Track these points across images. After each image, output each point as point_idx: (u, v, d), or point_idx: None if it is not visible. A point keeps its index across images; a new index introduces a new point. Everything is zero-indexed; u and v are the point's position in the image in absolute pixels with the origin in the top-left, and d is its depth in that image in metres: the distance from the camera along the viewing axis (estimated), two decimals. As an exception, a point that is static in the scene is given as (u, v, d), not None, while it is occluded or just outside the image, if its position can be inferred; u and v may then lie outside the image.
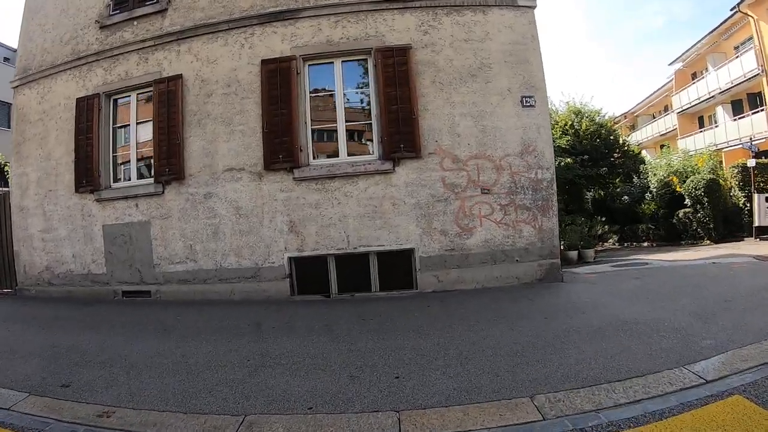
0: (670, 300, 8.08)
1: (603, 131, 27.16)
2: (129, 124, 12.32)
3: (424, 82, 10.58)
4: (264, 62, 10.89)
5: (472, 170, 10.46)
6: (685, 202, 20.94)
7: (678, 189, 21.65)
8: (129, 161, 12.27)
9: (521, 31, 10.85)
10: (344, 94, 11.03)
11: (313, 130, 11.09)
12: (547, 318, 7.47)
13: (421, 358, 5.74)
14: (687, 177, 21.47)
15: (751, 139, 20.57)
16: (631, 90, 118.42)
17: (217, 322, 8.49)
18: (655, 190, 23.64)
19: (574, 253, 16.04)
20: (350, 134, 11.28)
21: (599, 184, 27.33)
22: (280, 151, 10.62)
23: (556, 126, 26.19)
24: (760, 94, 28.94)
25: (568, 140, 25.45)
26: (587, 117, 27.33)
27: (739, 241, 18.86)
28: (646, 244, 23.83)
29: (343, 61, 11.05)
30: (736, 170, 19.58)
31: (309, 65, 11.15)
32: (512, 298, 9.22)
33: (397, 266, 10.53)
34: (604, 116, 28.50)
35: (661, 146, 37.14)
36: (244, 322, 8.47)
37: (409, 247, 10.45)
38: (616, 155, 27.78)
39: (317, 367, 5.65)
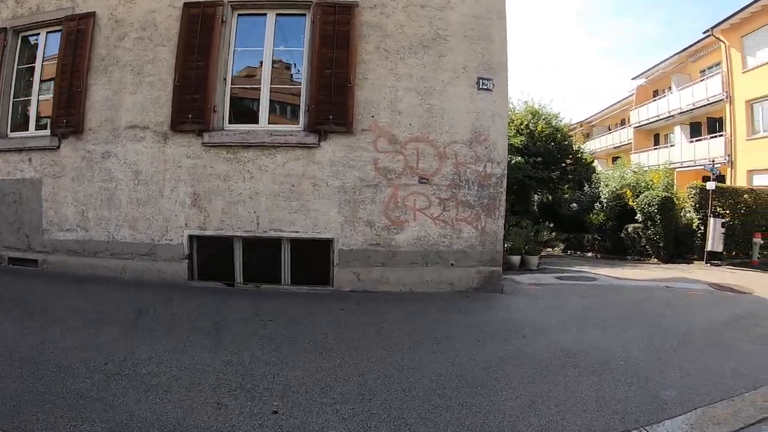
0: (622, 327, 7.04)
1: (558, 135, 26.05)
2: (34, 66, 10.12)
3: (368, 47, 8.80)
4: (186, 5, 8.92)
5: (411, 155, 8.75)
6: (636, 217, 19.68)
7: (630, 203, 20.46)
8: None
9: (487, 5, 9.16)
10: (273, 52, 9.15)
11: (234, 92, 9.21)
12: (480, 341, 6.00)
13: (314, 385, 4.39)
14: (640, 192, 20.28)
15: (713, 161, 19.27)
16: (589, 101, 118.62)
17: (96, 306, 6.97)
18: (605, 201, 22.54)
19: (516, 258, 14.58)
20: (278, 102, 9.50)
21: (548, 188, 26.16)
22: (190, 109, 8.69)
23: (511, 124, 24.80)
24: (720, 120, 28.57)
25: (522, 140, 24.28)
26: (544, 119, 26.23)
27: (689, 263, 17.76)
28: (590, 254, 22.68)
29: (278, 14, 9.14)
30: (694, 191, 18.33)
31: (239, 15, 9.23)
32: (443, 309, 7.68)
33: (313, 257, 8.79)
34: (561, 120, 27.50)
35: (614, 158, 36.72)
36: (126, 309, 6.91)
37: (327, 237, 8.70)
38: (568, 161, 26.63)
39: (182, 384, 4.28)
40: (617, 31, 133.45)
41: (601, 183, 24.15)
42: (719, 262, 16.98)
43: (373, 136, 8.65)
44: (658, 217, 18.21)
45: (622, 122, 42.89)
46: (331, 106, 8.51)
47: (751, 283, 12.46)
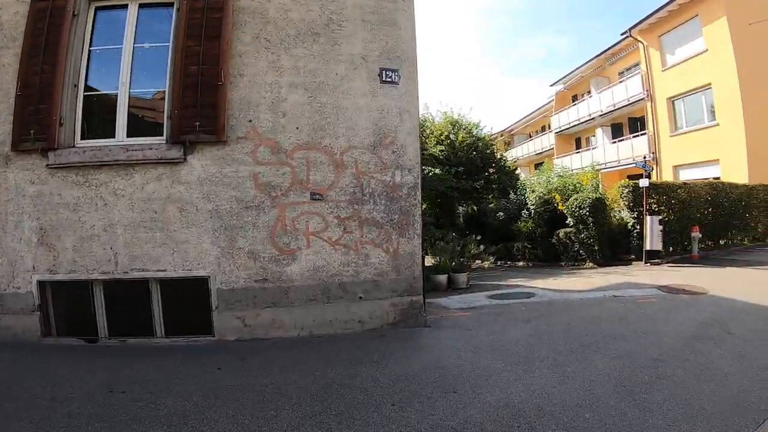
0: (579, 360, 5.64)
1: (480, 144, 25.04)
2: None
3: (245, 37, 6.94)
4: (35, 0, 6.86)
5: (300, 166, 6.91)
6: (567, 222, 18.43)
7: (560, 207, 19.13)
8: None
9: (391, -16, 7.45)
10: (134, 50, 7.09)
11: (88, 100, 7.08)
12: (397, 405, 4.34)
13: None
14: (569, 195, 19.02)
15: (645, 158, 18.12)
16: (509, 111, 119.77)
17: None
18: (533, 207, 21.14)
19: (442, 278, 12.97)
20: (142, 110, 7.45)
21: (473, 198, 24.92)
22: (33, 123, 6.60)
23: (431, 136, 24.17)
24: (641, 119, 28.43)
25: (443, 150, 23.15)
26: (464, 129, 25.26)
27: (627, 264, 16.61)
28: (522, 263, 21.27)
29: (141, 5, 7.14)
30: (627, 190, 17.12)
31: (97, 8, 7.17)
32: (350, 358, 5.85)
33: (189, 301, 6.84)
34: (481, 130, 26.69)
35: (536, 165, 36.14)
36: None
37: (202, 275, 6.72)
38: (492, 170, 25.68)
39: None
40: (530, 47, 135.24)
41: (527, 189, 22.85)
42: (659, 261, 15.91)
43: (252, 145, 6.77)
44: (591, 219, 16.99)
45: (543, 129, 42.56)
46: (198, 111, 6.59)
47: (700, 280, 11.65)
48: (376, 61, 7.23)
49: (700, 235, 16.65)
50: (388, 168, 7.19)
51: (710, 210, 18.14)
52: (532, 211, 21.02)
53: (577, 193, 18.63)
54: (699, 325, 7.15)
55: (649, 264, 15.74)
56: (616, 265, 16.49)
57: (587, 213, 16.97)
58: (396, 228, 7.20)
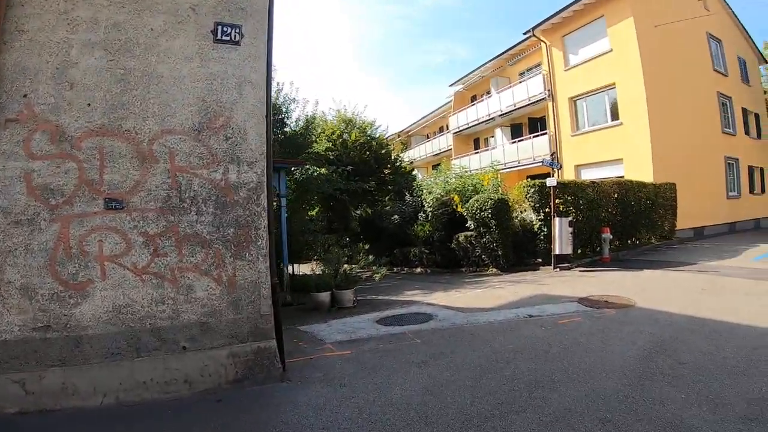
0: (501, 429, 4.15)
1: (374, 144, 24.05)
2: None
3: (26, -21, 4.81)
4: None
5: (91, 160, 4.88)
6: (467, 225, 16.87)
7: (459, 209, 17.57)
8: None
9: None
10: None
11: None
12: None
13: None
14: (468, 197, 17.63)
15: (552, 155, 16.69)
16: (407, 114, 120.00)
17: None
18: (430, 210, 19.41)
19: (325, 296, 11.15)
20: None
21: (367, 201, 23.73)
22: None
23: (322, 135, 22.68)
24: (542, 119, 27.71)
25: (330, 147, 21.97)
26: (358, 128, 24.14)
27: (534, 270, 15.29)
28: (419, 270, 19.80)
29: None
30: (532, 189, 15.80)
31: None
32: None
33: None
34: (376, 129, 25.67)
35: (434, 166, 35.27)
36: None
37: (-51, 324, 4.56)
38: (387, 171, 24.74)
39: None
40: (431, 53, 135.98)
41: (424, 191, 21.20)
42: (569, 265, 14.68)
43: (25, 131, 4.68)
44: (493, 222, 15.49)
45: (441, 129, 41.60)
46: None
47: (622, 288, 10.69)
48: (210, 13, 5.38)
49: (611, 236, 15.72)
50: (218, 161, 5.37)
51: (619, 209, 17.34)
52: (429, 213, 19.34)
53: (478, 194, 17.24)
54: (642, 355, 5.98)
55: (558, 269, 14.50)
56: (523, 271, 15.22)
57: (489, 215, 15.51)
58: (231, 247, 5.39)
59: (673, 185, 20.35)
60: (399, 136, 46.53)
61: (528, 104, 27.61)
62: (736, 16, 30.10)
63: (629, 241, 18.31)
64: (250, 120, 5.59)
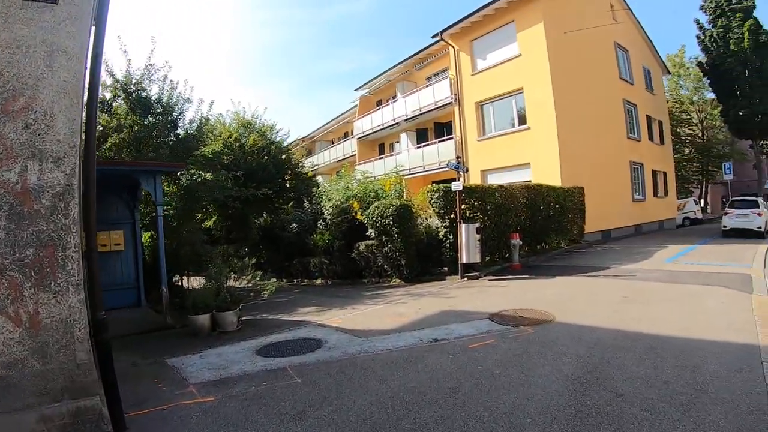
0: None
1: (273, 148, 22.56)
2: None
3: None
4: None
5: None
6: (368, 233, 15.55)
7: (359, 216, 16.22)
8: None
9: None
10: None
11: None
12: None
13: None
14: (369, 203, 16.32)
15: (458, 158, 15.59)
16: (311, 120, 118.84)
17: None
18: (329, 217, 17.93)
19: (204, 319, 9.42)
20: None
21: (268, 208, 22.03)
22: None
23: (218, 138, 21.29)
24: (448, 124, 27.39)
25: (225, 151, 20.71)
26: (258, 131, 22.74)
27: (440, 280, 14.09)
28: (319, 281, 18.41)
29: None
30: (437, 194, 14.58)
31: None
32: None
33: None
34: (277, 133, 24.31)
35: (338, 172, 33.32)
36: None
37: None
38: (287, 177, 23.47)
39: None
40: (341, 59, 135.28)
41: (323, 197, 19.72)
42: (477, 274, 13.63)
43: None
44: (395, 229, 14.25)
45: (346, 135, 40.46)
46: None
47: (537, 299, 9.93)
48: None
49: (520, 242, 14.89)
50: (14, 157, 3.91)
51: (528, 214, 16.59)
52: (329, 221, 17.90)
53: (379, 200, 15.97)
54: (572, 388, 5.04)
55: (466, 278, 13.40)
56: (428, 282, 14.02)
57: (391, 222, 14.26)
58: (31, 274, 3.89)
59: (581, 189, 20.08)
60: (303, 141, 44.33)
61: (434, 109, 26.98)
62: (642, 29, 31.04)
63: (539, 247, 17.67)
64: (60, 101, 4.12)
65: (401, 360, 6.46)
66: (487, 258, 14.67)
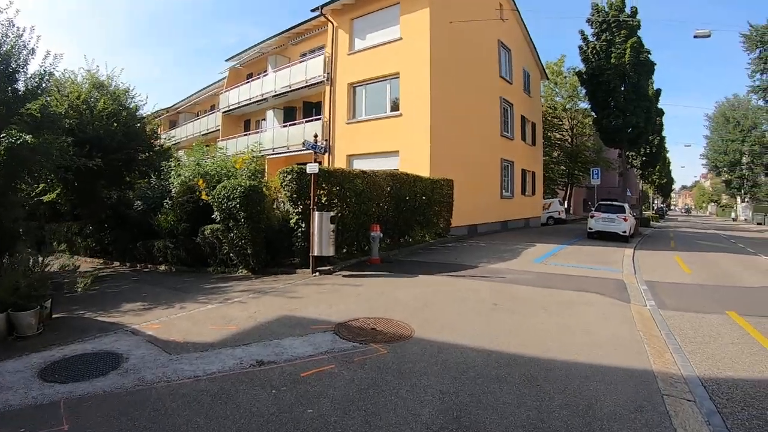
0: None
1: (125, 114, 19.38)
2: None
3: None
4: None
5: None
6: (213, 216, 13.60)
7: (204, 197, 14.25)
8: None
9: None
10: None
11: None
12: None
13: None
14: (217, 182, 14.41)
15: (315, 137, 13.69)
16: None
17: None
18: (176, 196, 15.72)
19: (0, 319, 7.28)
20: None
21: (117, 183, 19.13)
22: None
23: (64, 99, 17.86)
24: (318, 105, 25.77)
25: (65, 111, 17.11)
26: (112, 95, 19.48)
27: (290, 273, 12.45)
28: (164, 267, 15.97)
29: None
30: (290, 176, 12.80)
31: None
32: None
33: None
34: (133, 98, 20.91)
35: (194, 146, 30.68)
36: None
37: None
38: (140, 148, 20.28)
39: None
40: (224, 33, 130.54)
41: (173, 173, 17.22)
42: (331, 268, 12.23)
43: None
44: (242, 214, 12.48)
45: (213, 108, 37.68)
46: None
47: (394, 303, 8.65)
48: None
49: (381, 235, 13.70)
50: None
51: (392, 204, 15.43)
52: (175, 200, 15.67)
53: (229, 179, 14.11)
54: None
55: (318, 273, 11.93)
56: (277, 274, 12.42)
57: (238, 205, 12.49)
58: None
59: (450, 181, 19.32)
60: (167, 112, 41.31)
61: (304, 86, 25.33)
62: (528, 33, 31.44)
63: (403, 240, 16.52)
64: None
65: (207, 396, 4.81)
66: (345, 250, 13.38)
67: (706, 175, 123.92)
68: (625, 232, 22.74)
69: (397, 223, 15.73)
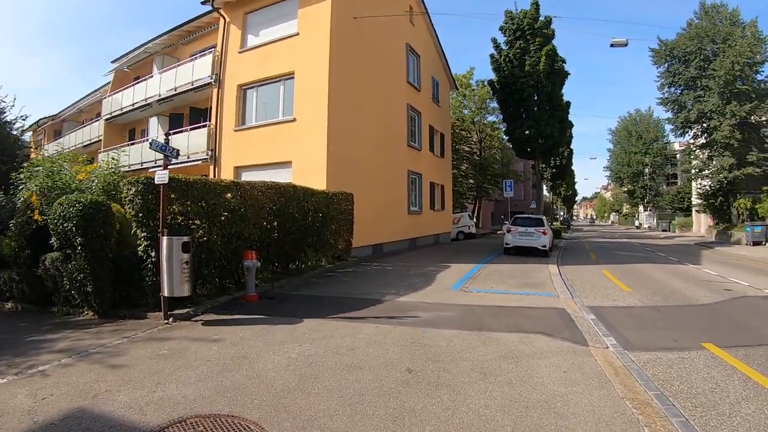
0: None
1: None
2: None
3: None
4: None
5: None
6: (51, 242, 10.24)
7: (37, 216, 10.93)
8: None
9: None
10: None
11: None
12: None
13: None
14: (55, 198, 10.92)
15: (166, 135, 10.54)
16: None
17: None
18: (17, 215, 11.90)
19: None
20: None
21: None
22: None
23: None
24: (206, 111, 22.15)
25: None
26: None
27: (140, 317, 9.41)
28: (9, 305, 11.90)
29: None
30: (134, 188, 9.55)
31: None
32: None
33: None
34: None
35: (90, 161, 27.04)
36: None
37: None
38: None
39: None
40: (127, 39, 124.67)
41: (21, 188, 13.20)
42: (190, 310, 9.31)
43: None
44: (79, 239, 9.41)
45: (98, 115, 32.70)
46: None
47: (259, 383, 5.66)
48: None
49: (259, 263, 10.63)
50: None
51: (277, 224, 12.51)
52: (15, 221, 11.80)
53: (75, 193, 10.84)
54: None
55: (171, 320, 8.97)
56: (125, 318, 9.38)
57: (74, 228, 9.42)
58: None
59: (350, 195, 16.74)
60: (52, 120, 38.42)
61: (191, 89, 22.14)
62: (438, 40, 29.87)
63: (293, 266, 13.63)
64: None
65: None
66: (214, 284, 10.53)
67: (606, 186, 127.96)
68: (544, 246, 21.11)
69: (284, 246, 12.89)
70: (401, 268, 15.75)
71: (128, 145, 25.78)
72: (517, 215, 24.45)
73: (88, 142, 31.14)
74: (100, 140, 29.26)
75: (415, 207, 25.78)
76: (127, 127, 29.02)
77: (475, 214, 48.03)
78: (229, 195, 10.86)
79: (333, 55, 17.49)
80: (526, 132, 28.44)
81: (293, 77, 18.27)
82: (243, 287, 10.80)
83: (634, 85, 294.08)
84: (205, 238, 9.89)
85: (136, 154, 23.37)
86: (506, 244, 21.88)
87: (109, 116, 28.16)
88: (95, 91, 34.04)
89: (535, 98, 28.44)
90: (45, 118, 37.78)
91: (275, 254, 12.23)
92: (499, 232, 45.88)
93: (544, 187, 51.99)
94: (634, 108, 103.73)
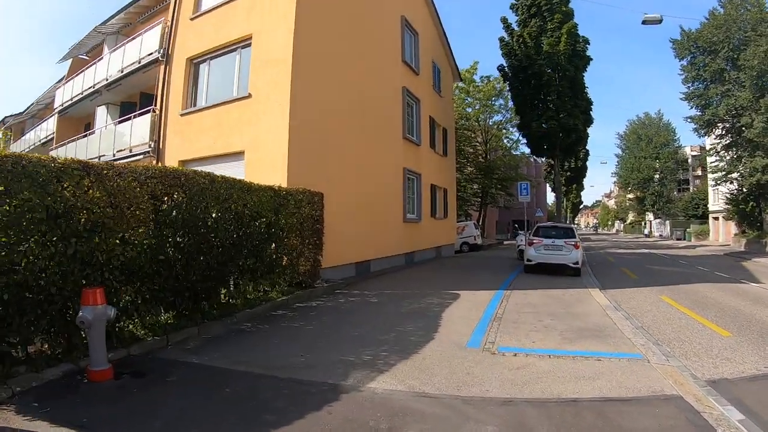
0: None
1: None
2: None
3: None
4: None
5: None
6: None
7: None
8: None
9: None
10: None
11: None
12: None
13: None
14: None
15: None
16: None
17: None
18: None
19: None
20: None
21: None
22: None
23: None
24: None
25: None
26: None
27: None
28: None
29: None
30: None
31: None
32: None
33: None
34: None
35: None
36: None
37: None
38: None
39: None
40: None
41: None
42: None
43: None
44: None
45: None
46: None
47: None
48: None
49: (112, 314, 5.62)
50: None
51: (177, 236, 7.34)
52: None
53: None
54: None
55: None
56: None
57: None
58: None
59: (316, 196, 11.52)
60: (16, 118, 34.40)
61: (138, 68, 17.42)
62: (439, 20, 24.72)
63: (206, 305, 8.14)
64: None
65: None
66: (41, 344, 5.80)
67: (609, 194, 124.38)
68: (576, 263, 16.48)
69: (190, 274, 7.49)
70: (390, 301, 10.80)
71: (83, 137, 21.10)
72: (541, 225, 19.66)
73: (45, 140, 26.86)
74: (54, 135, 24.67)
75: (413, 214, 20.70)
76: (83, 121, 24.02)
77: (481, 223, 43.20)
78: (62, 186, 5.79)
79: (300, 15, 12.72)
80: (544, 125, 24.03)
81: (250, 43, 13.62)
82: (86, 351, 5.71)
83: (634, 85, 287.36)
84: (16, 265, 5.15)
85: (93, 147, 18.76)
86: (528, 260, 17.16)
87: (60, 108, 23.59)
88: (57, 82, 28.92)
89: (557, 82, 23.87)
90: (9, 116, 33.92)
91: (171, 288, 7.18)
92: (507, 243, 41.25)
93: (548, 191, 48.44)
94: (643, 111, 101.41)
